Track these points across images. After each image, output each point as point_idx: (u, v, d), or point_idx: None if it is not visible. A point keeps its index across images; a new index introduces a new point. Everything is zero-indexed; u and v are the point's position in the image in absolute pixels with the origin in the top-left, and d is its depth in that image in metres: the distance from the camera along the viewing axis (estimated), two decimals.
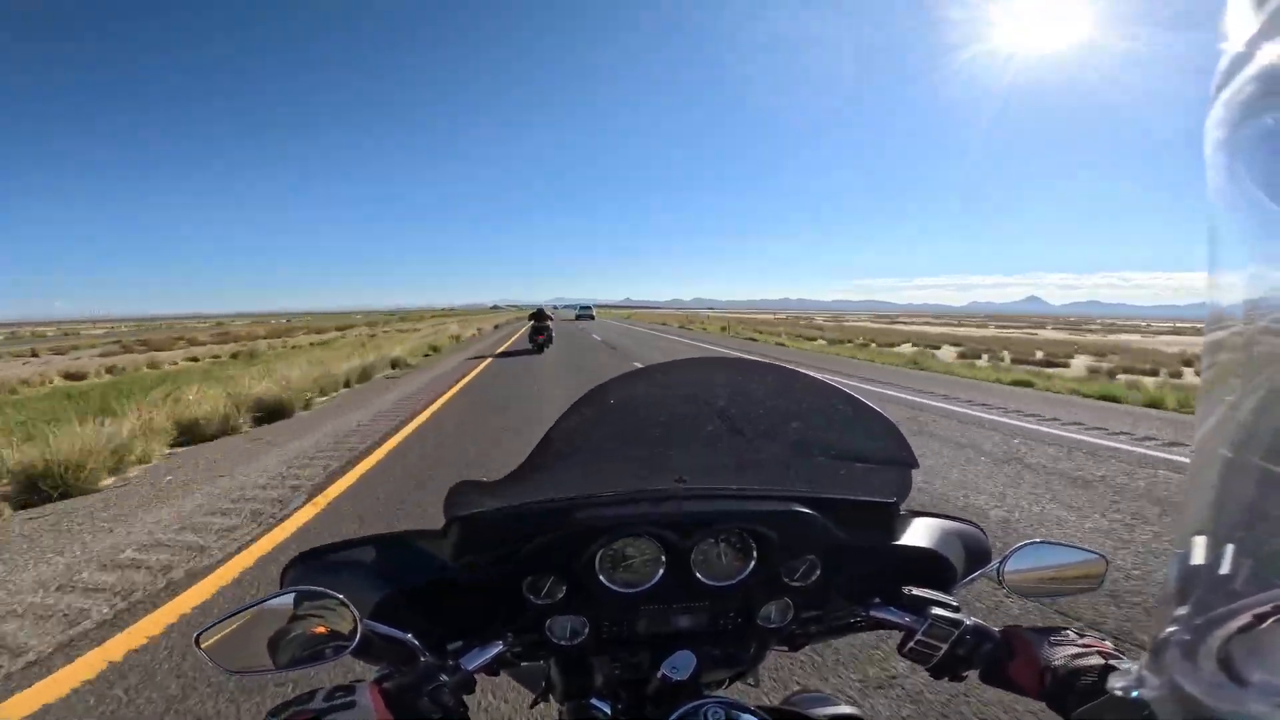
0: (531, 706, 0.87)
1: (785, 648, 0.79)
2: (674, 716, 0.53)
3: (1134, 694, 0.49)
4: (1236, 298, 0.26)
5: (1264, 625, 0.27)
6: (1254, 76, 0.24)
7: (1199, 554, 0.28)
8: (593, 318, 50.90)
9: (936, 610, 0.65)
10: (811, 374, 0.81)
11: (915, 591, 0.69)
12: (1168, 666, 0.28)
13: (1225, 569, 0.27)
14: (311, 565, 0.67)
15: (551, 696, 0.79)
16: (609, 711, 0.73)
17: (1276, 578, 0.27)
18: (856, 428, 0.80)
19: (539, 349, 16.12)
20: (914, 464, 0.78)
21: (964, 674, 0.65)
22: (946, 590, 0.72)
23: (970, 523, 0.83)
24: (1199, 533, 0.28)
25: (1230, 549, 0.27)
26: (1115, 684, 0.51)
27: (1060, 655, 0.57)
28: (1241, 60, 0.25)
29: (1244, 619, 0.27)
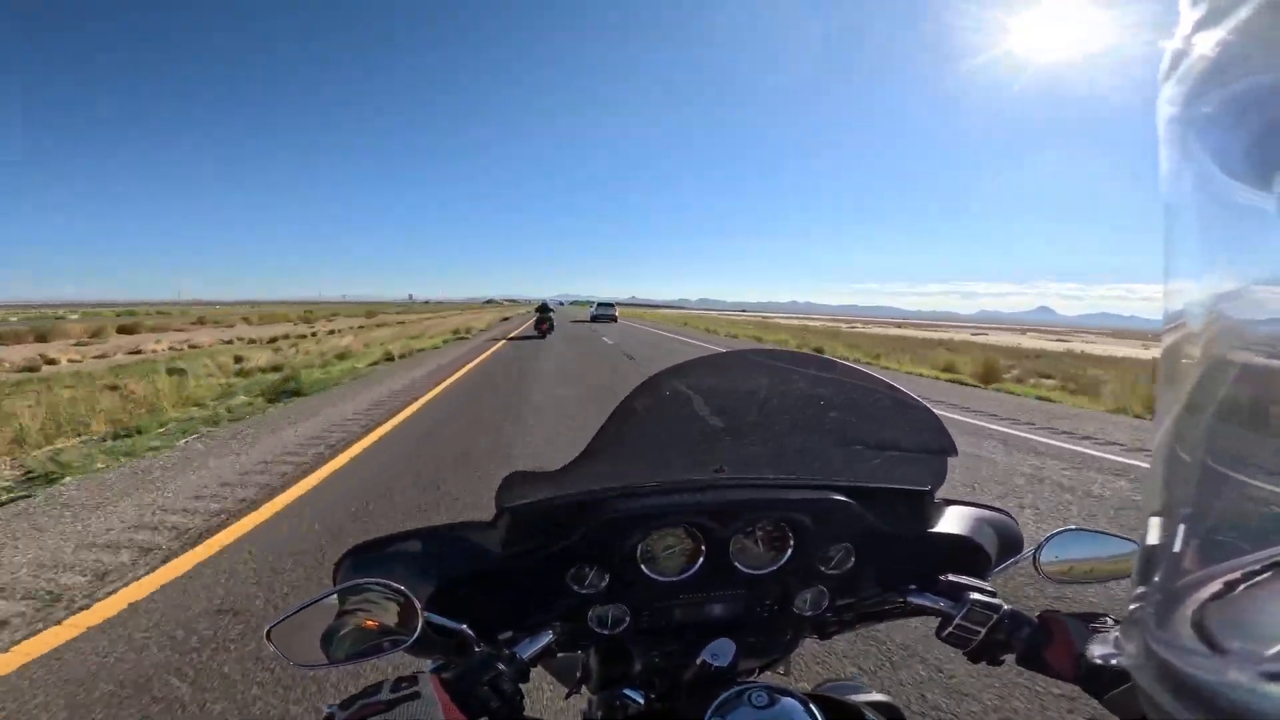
0: (566, 698, 0.88)
1: (815, 635, 0.80)
2: (718, 701, 0.53)
3: (1112, 661, 0.50)
4: (1192, 299, 0.27)
5: (1235, 592, 0.27)
6: (1204, 54, 0.25)
7: (1158, 532, 0.28)
8: (614, 318, 36.94)
9: (974, 596, 0.66)
10: (851, 364, 0.82)
11: (953, 578, 0.70)
12: (1143, 632, 0.28)
13: (1180, 548, 0.27)
14: (363, 559, 0.69)
15: (585, 687, 0.80)
16: (641, 700, 0.74)
17: (1247, 542, 0.27)
18: (895, 416, 0.80)
19: (542, 335, 21.31)
20: (953, 452, 0.79)
21: (1001, 658, 0.66)
22: (981, 577, 0.73)
23: (1001, 510, 0.84)
24: (1157, 514, 0.29)
25: (1179, 539, 0.27)
26: (1095, 651, 0.52)
27: (1095, 641, 0.57)
28: (1192, 39, 0.26)
29: (1215, 586, 0.28)
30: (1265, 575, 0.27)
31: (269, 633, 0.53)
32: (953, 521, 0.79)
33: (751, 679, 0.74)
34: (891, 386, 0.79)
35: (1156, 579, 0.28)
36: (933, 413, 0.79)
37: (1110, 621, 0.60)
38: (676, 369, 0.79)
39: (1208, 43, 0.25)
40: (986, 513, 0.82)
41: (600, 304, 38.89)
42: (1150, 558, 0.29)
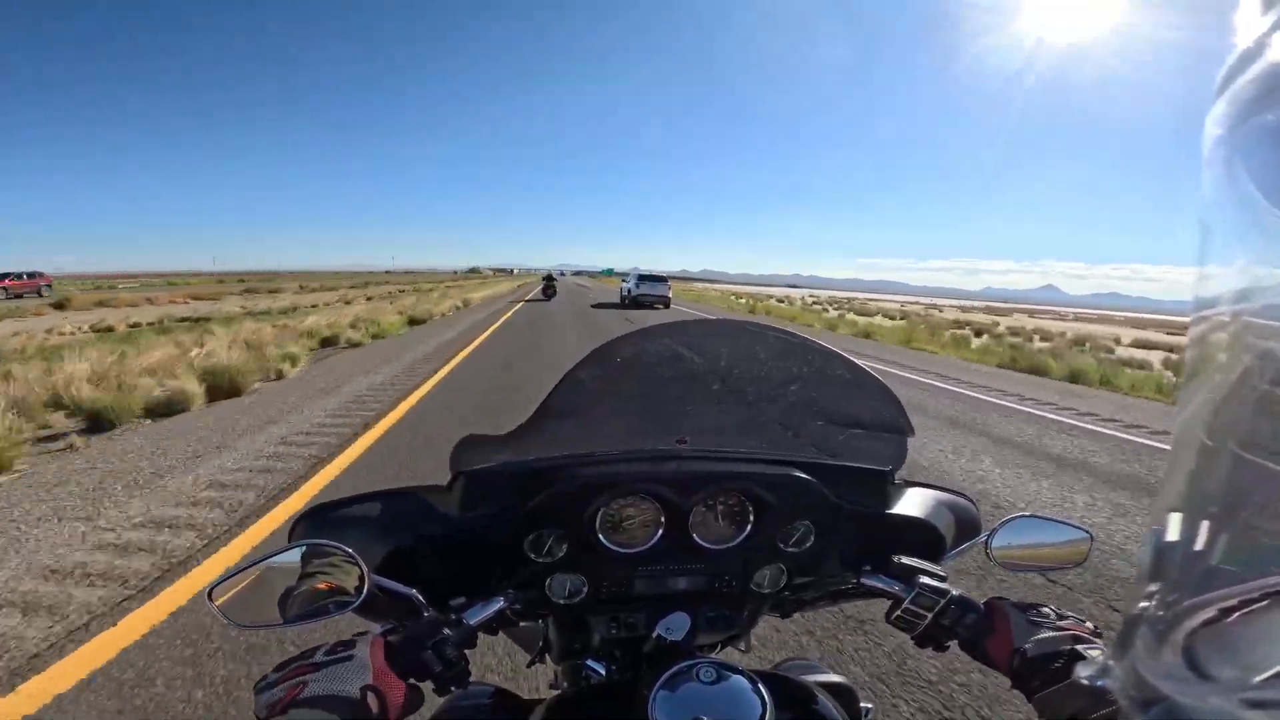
0: (528, 666, 0.89)
1: (776, 614, 0.81)
2: (666, 675, 0.54)
3: (1099, 683, 0.51)
4: (1223, 289, 0.26)
5: (1229, 619, 0.27)
6: (1259, 74, 0.24)
7: (1172, 535, 0.28)
8: (668, 301, 22.92)
9: (924, 579, 0.66)
10: (813, 339, 0.82)
11: (904, 560, 0.70)
12: (1132, 658, 0.28)
13: (1197, 552, 0.27)
14: (318, 520, 0.68)
15: (548, 656, 0.81)
16: (603, 672, 0.75)
17: (1245, 571, 0.27)
18: (854, 393, 0.80)
19: (547, 298, 27.22)
20: (910, 432, 0.79)
21: (947, 644, 0.66)
22: (936, 560, 0.73)
23: (961, 494, 0.84)
24: (1173, 515, 0.28)
25: (1203, 534, 0.27)
26: (1081, 673, 0.52)
27: (1033, 636, 0.58)
28: (1248, 57, 0.25)
29: (1209, 613, 0.27)
30: (1262, 603, 0.27)
31: (209, 593, 0.52)
32: (911, 503, 0.79)
33: (711, 654, 0.75)
34: (850, 362, 0.79)
35: (1155, 599, 0.28)
36: (890, 391, 0.79)
37: (1051, 614, 0.61)
38: (636, 334, 0.78)
39: (1265, 61, 0.24)
40: (946, 496, 0.83)
41: (642, 276, 22.96)
42: (1163, 553, 0.28)
